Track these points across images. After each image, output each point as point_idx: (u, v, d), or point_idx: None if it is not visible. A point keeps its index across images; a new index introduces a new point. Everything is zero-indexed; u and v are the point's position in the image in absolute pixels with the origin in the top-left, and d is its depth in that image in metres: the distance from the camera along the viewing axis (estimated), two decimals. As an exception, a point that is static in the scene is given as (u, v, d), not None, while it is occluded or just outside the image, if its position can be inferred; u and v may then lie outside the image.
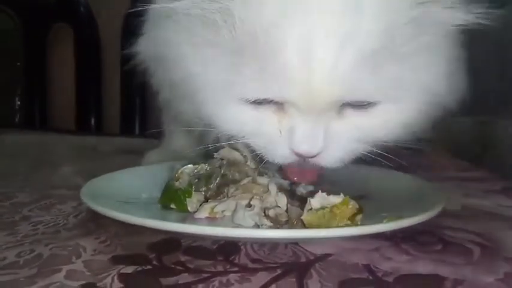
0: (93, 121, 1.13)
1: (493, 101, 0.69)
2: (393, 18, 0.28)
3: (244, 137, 0.32)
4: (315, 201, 0.31)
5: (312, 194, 0.40)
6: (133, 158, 0.59)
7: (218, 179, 0.36)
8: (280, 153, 0.32)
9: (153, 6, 0.33)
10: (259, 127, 0.31)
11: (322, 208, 0.30)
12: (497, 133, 0.65)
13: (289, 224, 0.32)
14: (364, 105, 0.31)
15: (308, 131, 0.30)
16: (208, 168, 0.38)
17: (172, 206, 0.36)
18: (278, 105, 0.30)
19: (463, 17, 0.30)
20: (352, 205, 0.31)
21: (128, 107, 1.08)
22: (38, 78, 1.17)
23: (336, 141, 0.31)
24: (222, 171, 0.37)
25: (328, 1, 0.27)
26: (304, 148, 0.30)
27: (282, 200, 0.33)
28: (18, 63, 1.15)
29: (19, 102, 1.17)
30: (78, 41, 1.11)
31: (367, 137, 0.32)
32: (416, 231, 0.32)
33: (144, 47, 0.38)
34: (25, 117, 1.17)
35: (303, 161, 0.31)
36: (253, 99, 0.30)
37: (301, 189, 0.41)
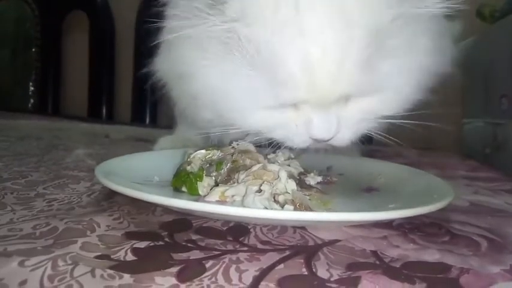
0: (104, 110, 1.14)
1: (506, 103, 0.69)
2: (377, 24, 0.31)
3: (267, 132, 0.37)
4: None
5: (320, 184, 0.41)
6: (144, 145, 0.60)
7: (229, 164, 0.37)
8: (301, 139, 0.36)
9: (169, 35, 0.37)
10: (281, 124, 0.36)
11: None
12: (510, 135, 0.65)
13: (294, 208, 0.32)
14: None
15: (323, 119, 0.35)
16: (220, 154, 0.38)
17: (184, 189, 0.36)
18: (293, 105, 0.35)
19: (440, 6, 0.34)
20: None
21: (139, 97, 1.10)
22: (52, 65, 1.18)
23: (346, 124, 0.35)
24: (233, 158, 0.37)
25: (321, 15, 0.31)
26: (321, 134, 0.35)
27: (292, 187, 0.34)
28: (34, 50, 1.17)
29: (33, 88, 1.18)
30: (93, 29, 1.12)
31: (371, 116, 0.36)
32: (424, 223, 0.33)
33: (161, 66, 0.42)
34: (38, 103, 1.18)
35: (318, 143, 0.37)
36: (270, 105, 0.34)
37: (310, 180, 0.42)
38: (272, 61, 0.32)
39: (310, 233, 0.30)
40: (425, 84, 0.38)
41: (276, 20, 0.31)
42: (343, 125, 0.35)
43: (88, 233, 0.28)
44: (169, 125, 0.60)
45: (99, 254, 0.25)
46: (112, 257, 0.24)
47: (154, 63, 0.43)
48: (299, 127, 0.35)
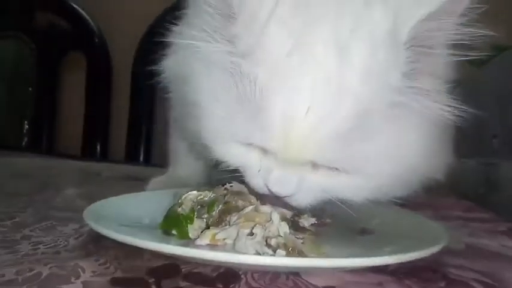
0: (98, 148, 1.14)
1: (497, 143, 0.70)
2: (372, 103, 0.31)
3: (230, 165, 0.37)
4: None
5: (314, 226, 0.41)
6: (136, 184, 0.60)
7: (220, 206, 0.36)
8: (258, 185, 0.36)
9: (179, 40, 0.38)
10: (245, 162, 0.36)
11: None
12: (502, 175, 0.65)
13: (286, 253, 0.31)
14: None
15: (282, 175, 0.34)
16: (212, 196, 0.38)
17: (174, 231, 0.36)
18: (263, 149, 0.35)
19: (441, 108, 0.33)
20: None
21: (134, 136, 1.10)
22: (48, 104, 1.19)
23: (306, 189, 0.35)
24: (226, 199, 0.37)
25: (316, 79, 0.31)
26: (277, 189, 0.34)
27: (284, 230, 0.33)
28: (30, 88, 1.18)
29: (27, 126, 1.18)
30: (90, 70, 1.14)
31: (333, 194, 0.35)
32: (419, 268, 0.32)
33: (167, 66, 0.42)
34: (32, 141, 1.18)
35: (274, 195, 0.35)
36: (242, 141, 0.35)
37: (304, 222, 0.41)
38: (260, 104, 0.32)
39: (304, 279, 0.29)
40: (407, 183, 0.37)
41: (279, 67, 0.31)
42: (303, 188, 0.34)
43: (73, 279, 0.27)
44: (163, 164, 0.60)
45: (83, 303, 0.24)
46: (96, 306, 0.23)
47: (161, 64, 0.43)
48: (260, 174, 0.35)
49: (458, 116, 0.33)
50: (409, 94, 0.32)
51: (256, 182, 0.35)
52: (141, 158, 1.09)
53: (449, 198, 0.69)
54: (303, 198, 0.35)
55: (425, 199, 0.66)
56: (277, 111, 0.31)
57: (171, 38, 0.41)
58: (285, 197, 0.35)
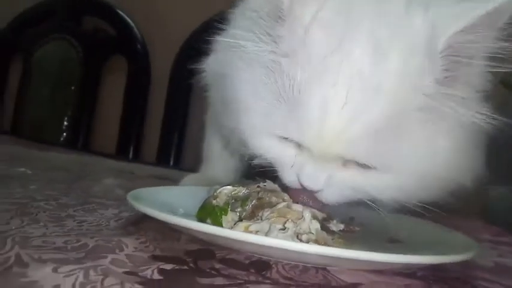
0: (131, 151, 1.18)
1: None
2: (405, 105, 0.32)
3: (266, 159, 0.39)
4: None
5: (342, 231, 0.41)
6: (169, 183, 0.62)
7: (254, 201, 0.38)
8: (290, 178, 0.37)
9: (227, 40, 0.39)
10: (280, 156, 0.38)
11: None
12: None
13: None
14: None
15: (314, 171, 0.36)
16: (246, 192, 0.39)
17: (208, 221, 0.37)
18: (298, 144, 0.36)
19: (473, 114, 0.34)
20: None
21: (166, 140, 1.13)
22: (88, 104, 1.24)
23: (335, 185, 0.36)
24: (259, 195, 0.38)
25: (353, 78, 0.32)
26: (308, 183, 0.36)
27: (316, 227, 0.34)
28: (73, 88, 1.24)
29: (66, 123, 1.24)
30: (130, 74, 1.19)
31: (362, 192, 0.37)
32: (449, 277, 0.32)
33: (208, 65, 0.45)
34: (70, 138, 1.23)
35: (306, 190, 0.37)
36: (279, 135, 0.36)
37: (333, 227, 0.42)
38: (298, 99, 0.33)
39: (333, 275, 0.30)
40: (435, 186, 0.37)
41: (319, 66, 0.33)
42: (333, 184, 0.36)
43: (117, 251, 0.29)
44: (192, 169, 0.62)
45: (128, 270, 0.25)
46: (140, 274, 0.25)
47: (203, 63, 0.45)
48: (293, 168, 0.37)
49: (490, 123, 0.34)
50: (442, 100, 0.33)
51: (289, 175, 0.37)
52: (171, 162, 1.12)
53: (478, 222, 0.68)
54: (332, 194, 0.37)
55: (454, 221, 0.65)
56: (314, 106, 0.33)
57: (217, 38, 0.43)
58: (315, 192, 0.36)
